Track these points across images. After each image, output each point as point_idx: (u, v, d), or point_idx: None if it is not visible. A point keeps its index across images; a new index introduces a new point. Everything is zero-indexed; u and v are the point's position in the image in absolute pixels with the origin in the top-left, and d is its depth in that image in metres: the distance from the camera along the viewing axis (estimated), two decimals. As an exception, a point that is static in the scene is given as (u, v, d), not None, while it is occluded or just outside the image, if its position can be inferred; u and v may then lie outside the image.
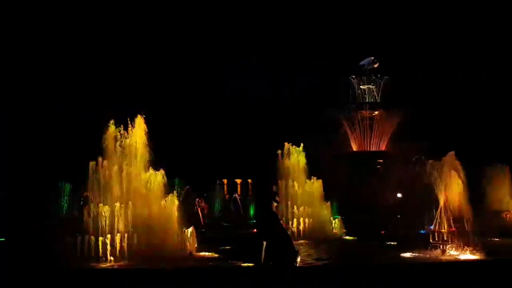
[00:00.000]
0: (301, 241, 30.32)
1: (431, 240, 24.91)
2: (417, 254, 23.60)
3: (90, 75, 48.07)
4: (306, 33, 60.05)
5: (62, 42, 48.91)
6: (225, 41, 57.95)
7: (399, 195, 44.51)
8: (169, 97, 48.86)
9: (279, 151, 36.14)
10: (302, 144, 36.55)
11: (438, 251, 23.87)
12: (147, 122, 26.14)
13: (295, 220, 32.97)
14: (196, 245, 25.04)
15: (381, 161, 46.03)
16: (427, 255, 23.42)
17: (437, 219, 25.29)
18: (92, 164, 24.53)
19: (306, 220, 33.18)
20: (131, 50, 52.89)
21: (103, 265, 21.46)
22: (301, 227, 32.85)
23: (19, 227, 25.85)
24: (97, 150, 25.25)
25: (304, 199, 34.41)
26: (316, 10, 61.53)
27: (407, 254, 23.62)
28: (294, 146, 36.30)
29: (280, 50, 58.10)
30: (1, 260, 20.25)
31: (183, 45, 56.21)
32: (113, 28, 51.87)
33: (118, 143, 25.22)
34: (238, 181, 47.66)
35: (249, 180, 46.95)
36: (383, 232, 33.29)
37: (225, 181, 46.68)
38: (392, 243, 28.01)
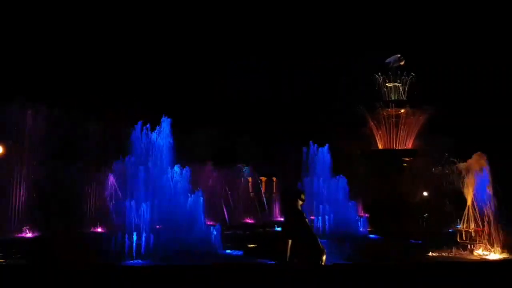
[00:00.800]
0: (325, 239, 30.23)
1: (458, 239, 24.64)
2: (444, 254, 23.36)
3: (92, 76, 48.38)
4: (316, 32, 59.79)
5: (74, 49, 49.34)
6: (225, 41, 57.92)
7: (425, 193, 44.12)
8: (175, 98, 48.93)
9: (305, 149, 36.09)
10: (327, 143, 36.51)
11: (466, 251, 23.60)
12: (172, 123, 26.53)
13: (319, 217, 32.90)
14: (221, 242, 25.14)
15: (407, 159, 45.64)
16: (455, 255, 23.16)
17: (464, 218, 25.04)
18: (119, 162, 24.90)
19: (331, 216, 33.07)
20: (139, 53, 53.22)
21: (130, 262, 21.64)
22: (325, 224, 32.79)
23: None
24: (124, 149, 25.66)
25: (329, 196, 34.36)
26: (323, 9, 61.25)
27: (434, 254, 23.39)
28: (320, 144, 36.27)
29: (280, 50, 57.96)
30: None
31: (183, 45, 56.38)
32: (116, 28, 52.16)
33: (143, 142, 25.58)
34: (263, 179, 47.67)
35: (274, 178, 46.91)
36: (409, 231, 33.04)
37: (250, 179, 46.72)
38: (418, 242, 27.79)
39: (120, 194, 26.58)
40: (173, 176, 27.11)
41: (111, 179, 28.44)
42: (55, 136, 29.96)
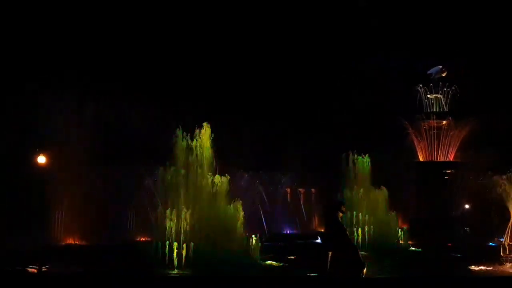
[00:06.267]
0: (363, 252, 29.99)
1: (501, 253, 24.17)
2: (486, 268, 22.91)
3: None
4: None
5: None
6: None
7: (467, 206, 43.48)
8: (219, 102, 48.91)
9: (346, 159, 35.91)
10: (367, 154, 36.28)
11: (509, 265, 23.12)
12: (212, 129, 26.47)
13: (359, 229, 32.62)
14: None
15: (449, 171, 45.04)
16: (498, 269, 22.70)
17: (508, 231, 24.58)
18: (161, 169, 24.98)
19: (371, 228, 32.74)
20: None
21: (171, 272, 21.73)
22: (365, 236, 32.47)
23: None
24: (165, 156, 25.73)
25: (369, 207, 34.08)
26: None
27: (477, 268, 22.95)
28: (360, 154, 36.06)
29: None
30: None
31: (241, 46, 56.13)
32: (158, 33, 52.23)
33: (185, 149, 25.57)
34: (301, 190, 47.56)
35: (313, 190, 46.79)
36: (450, 244, 32.55)
37: (288, 190, 46.67)
38: (459, 255, 27.36)
39: (159, 201, 26.87)
40: (213, 184, 27.01)
41: (151, 186, 28.72)
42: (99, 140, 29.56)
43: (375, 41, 55.37)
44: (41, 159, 27.50)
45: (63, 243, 26.85)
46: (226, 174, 26.87)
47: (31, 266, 19.59)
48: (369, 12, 54.26)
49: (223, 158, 35.35)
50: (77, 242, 27.13)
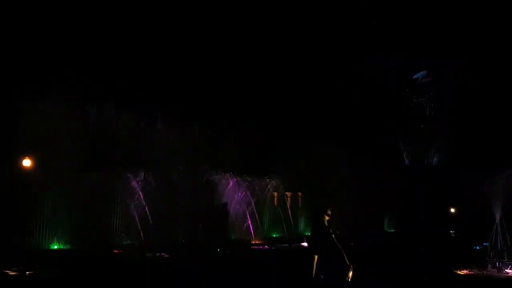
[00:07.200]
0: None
1: (487, 257, 24.29)
2: (471, 272, 23.02)
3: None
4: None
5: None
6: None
7: (452, 210, 43.76)
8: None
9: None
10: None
11: (494, 269, 23.25)
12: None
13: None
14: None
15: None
16: (483, 273, 22.83)
17: (492, 235, 24.72)
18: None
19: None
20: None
21: None
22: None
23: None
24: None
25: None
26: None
27: (461, 271, 23.06)
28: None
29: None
30: None
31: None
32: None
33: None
34: (288, 194, 47.56)
35: (299, 193, 46.79)
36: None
37: (275, 194, 46.66)
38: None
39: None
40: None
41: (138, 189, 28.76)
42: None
43: (375, 41, 55.40)
44: (27, 163, 27.22)
45: (48, 248, 26.68)
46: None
47: (14, 270, 19.44)
48: (369, 12, 54.30)
49: (210, 162, 35.48)
50: (62, 247, 26.99)
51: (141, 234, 28.05)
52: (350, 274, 15.10)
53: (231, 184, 37.42)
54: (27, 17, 43.25)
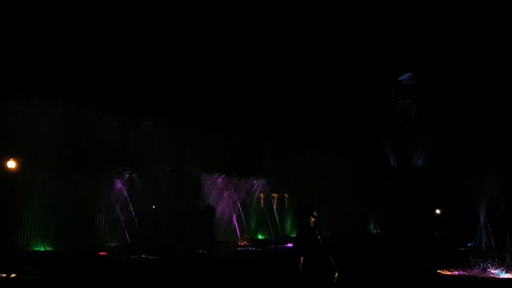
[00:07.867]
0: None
1: (471, 258, 24.43)
2: (456, 272, 23.14)
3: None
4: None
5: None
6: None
7: (437, 211, 43.95)
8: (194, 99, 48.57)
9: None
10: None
11: (479, 269, 23.36)
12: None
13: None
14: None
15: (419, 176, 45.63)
16: (467, 273, 22.94)
17: (477, 236, 24.88)
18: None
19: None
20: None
21: None
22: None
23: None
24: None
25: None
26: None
27: (446, 272, 23.19)
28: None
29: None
30: None
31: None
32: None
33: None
34: (275, 195, 47.60)
35: (285, 195, 46.84)
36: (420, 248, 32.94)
37: (262, 195, 46.64)
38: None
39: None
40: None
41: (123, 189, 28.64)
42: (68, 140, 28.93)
43: (375, 41, 55.64)
44: (11, 164, 27.01)
45: (33, 249, 26.46)
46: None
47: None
48: (369, 13, 54.56)
49: (197, 162, 35.40)
50: (47, 248, 26.78)
51: (127, 235, 27.89)
52: (336, 275, 15.08)
53: (218, 184, 37.34)
54: (12, 19, 43.08)
